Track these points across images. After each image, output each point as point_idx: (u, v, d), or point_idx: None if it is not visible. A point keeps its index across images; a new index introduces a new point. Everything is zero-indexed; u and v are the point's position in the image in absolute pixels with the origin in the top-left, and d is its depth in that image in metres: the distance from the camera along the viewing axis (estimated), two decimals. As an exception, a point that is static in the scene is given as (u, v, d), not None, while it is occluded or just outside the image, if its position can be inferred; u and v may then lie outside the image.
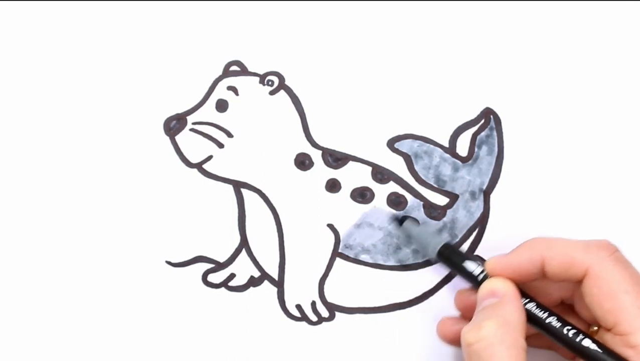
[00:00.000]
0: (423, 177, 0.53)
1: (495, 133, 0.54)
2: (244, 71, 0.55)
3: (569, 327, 0.44)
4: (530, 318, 0.45)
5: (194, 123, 0.54)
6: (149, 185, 0.53)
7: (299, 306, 0.53)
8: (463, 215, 0.53)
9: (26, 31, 0.55)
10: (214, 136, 0.54)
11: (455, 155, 0.53)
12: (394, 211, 0.53)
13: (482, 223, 0.53)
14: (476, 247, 0.53)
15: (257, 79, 0.54)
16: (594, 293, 0.43)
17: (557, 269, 0.44)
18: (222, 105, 0.54)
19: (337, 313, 0.53)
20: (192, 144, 0.54)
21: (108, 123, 0.54)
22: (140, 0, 0.55)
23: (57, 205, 0.53)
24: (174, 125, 0.54)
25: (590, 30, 0.54)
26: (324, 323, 0.52)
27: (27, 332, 0.52)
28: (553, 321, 0.44)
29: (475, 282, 0.47)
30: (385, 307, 0.52)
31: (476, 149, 0.53)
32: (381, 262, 0.53)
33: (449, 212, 0.53)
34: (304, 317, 0.52)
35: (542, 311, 0.45)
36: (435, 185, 0.53)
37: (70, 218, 0.53)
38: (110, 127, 0.54)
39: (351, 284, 0.53)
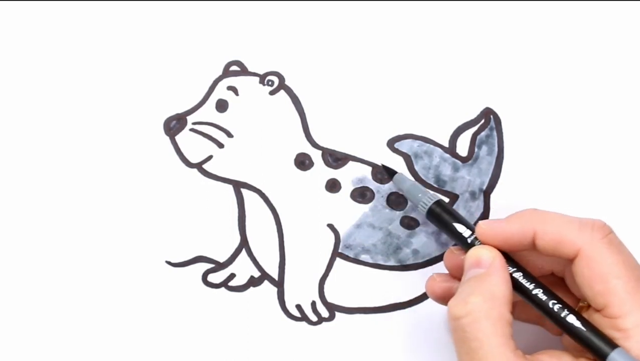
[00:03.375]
0: (423, 177, 0.53)
1: (495, 133, 0.54)
2: (244, 71, 0.55)
3: (555, 301, 0.43)
4: (517, 287, 0.44)
5: (194, 123, 0.54)
6: (149, 185, 0.53)
7: (299, 306, 0.53)
8: (463, 215, 0.53)
9: (26, 31, 0.55)
10: (214, 136, 0.54)
11: (455, 155, 0.53)
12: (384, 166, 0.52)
13: (482, 223, 0.53)
14: (476, 247, 0.53)
15: (257, 79, 0.54)
16: (585, 274, 0.42)
17: (549, 245, 0.44)
18: (222, 105, 0.54)
19: (337, 313, 0.53)
20: (192, 144, 0.54)
21: (108, 123, 0.54)
22: (140, 0, 0.55)
23: (57, 205, 0.53)
24: (174, 125, 0.54)
25: (590, 30, 0.54)
26: (324, 323, 0.52)
27: (27, 332, 0.52)
28: (539, 293, 0.44)
29: (465, 244, 0.46)
30: (385, 307, 0.52)
31: (476, 149, 0.53)
32: (381, 262, 0.53)
33: (449, 212, 0.53)
34: (304, 317, 0.52)
35: (529, 282, 0.44)
36: (435, 185, 0.53)
37: (71, 218, 0.53)
38: (111, 127, 0.54)
39: (351, 284, 0.53)
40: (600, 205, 0.53)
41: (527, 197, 0.53)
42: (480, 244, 0.46)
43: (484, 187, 0.53)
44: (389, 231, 0.53)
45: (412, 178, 0.52)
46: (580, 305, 0.45)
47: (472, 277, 0.44)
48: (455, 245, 0.48)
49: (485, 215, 0.53)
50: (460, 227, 0.47)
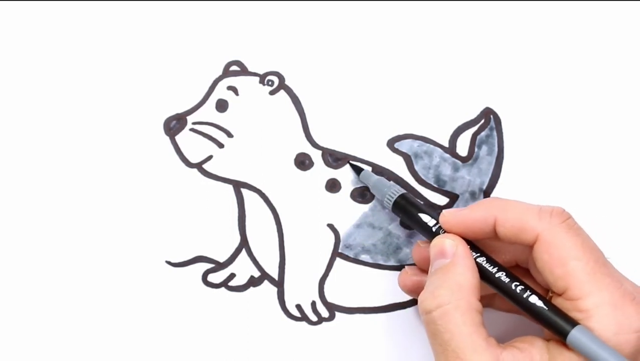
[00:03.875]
0: (423, 177, 0.53)
1: (495, 133, 0.54)
2: (244, 71, 0.55)
3: (517, 283, 0.44)
4: (481, 273, 0.44)
5: (194, 123, 0.54)
6: (149, 185, 0.53)
7: (299, 306, 0.53)
8: (463, 215, 0.53)
9: (26, 31, 0.55)
10: (214, 136, 0.54)
11: (455, 155, 0.53)
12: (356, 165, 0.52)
13: (482, 223, 0.53)
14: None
15: (257, 79, 0.54)
16: (544, 259, 0.43)
17: (509, 232, 0.44)
18: (222, 105, 0.54)
19: (337, 313, 0.53)
20: (192, 144, 0.54)
21: (108, 123, 0.54)
22: (140, 0, 0.55)
23: (57, 205, 0.53)
24: (174, 125, 0.54)
25: (590, 30, 0.54)
26: (324, 323, 0.52)
27: (27, 332, 0.52)
28: (502, 276, 0.44)
29: (431, 234, 0.47)
30: (385, 307, 0.52)
31: (476, 149, 0.53)
32: (381, 262, 0.53)
33: (449, 212, 0.53)
34: (304, 317, 0.52)
35: (492, 266, 0.45)
36: (435, 185, 0.53)
37: (71, 218, 0.53)
38: (111, 127, 0.54)
39: (351, 284, 0.53)
40: (600, 205, 0.53)
41: (527, 196, 0.53)
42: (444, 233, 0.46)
43: (484, 187, 0.53)
44: (389, 231, 0.53)
45: (377, 176, 0.52)
46: (549, 296, 0.45)
47: (438, 269, 0.45)
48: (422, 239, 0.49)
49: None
50: (425, 217, 0.47)
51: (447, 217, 0.46)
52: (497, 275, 0.44)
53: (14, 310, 0.53)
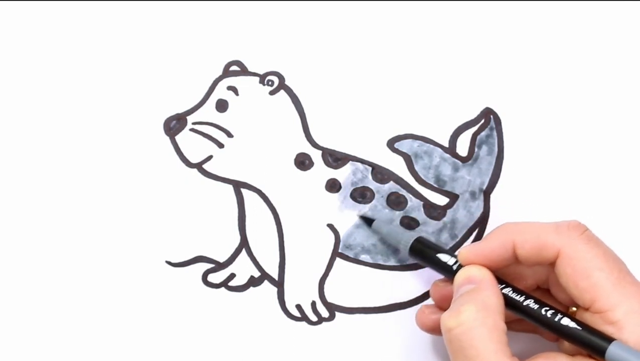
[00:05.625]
0: (423, 177, 0.53)
1: (495, 133, 0.54)
2: (244, 71, 0.55)
3: (547, 308, 0.44)
4: (508, 303, 0.44)
5: (194, 123, 0.54)
6: (149, 185, 0.53)
7: (299, 306, 0.53)
8: (463, 215, 0.53)
9: (26, 31, 0.55)
10: (214, 136, 0.54)
11: (455, 155, 0.53)
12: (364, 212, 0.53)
13: (482, 223, 0.53)
14: (476, 247, 0.53)
15: (257, 79, 0.54)
16: (568, 273, 0.43)
17: (529, 253, 0.44)
18: (222, 105, 0.54)
19: (337, 313, 0.53)
20: (192, 144, 0.54)
21: (108, 123, 0.54)
22: (140, 0, 0.55)
23: (57, 205, 0.53)
24: (174, 125, 0.54)
25: (590, 30, 0.54)
26: (324, 323, 0.52)
27: (27, 332, 0.52)
28: (530, 303, 0.44)
29: (450, 273, 0.47)
30: (385, 307, 0.52)
31: (476, 149, 0.53)
32: (381, 262, 0.53)
33: (449, 212, 0.53)
34: (304, 317, 0.52)
35: (519, 295, 0.45)
36: (435, 185, 0.53)
37: (70, 218, 0.53)
38: (111, 127, 0.54)
39: (351, 284, 0.53)
40: (600, 204, 0.53)
41: (527, 196, 0.53)
42: None
43: (484, 187, 0.53)
44: (389, 231, 0.53)
45: (388, 224, 0.52)
46: (569, 311, 0.45)
47: (464, 292, 0.44)
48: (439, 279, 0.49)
49: (485, 215, 0.53)
50: (444, 257, 0.47)
51: (466, 253, 0.46)
52: (525, 303, 0.44)
53: (14, 310, 0.53)
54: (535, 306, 0.44)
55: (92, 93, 0.54)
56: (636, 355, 0.41)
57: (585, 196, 0.53)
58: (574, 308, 0.45)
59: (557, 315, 0.43)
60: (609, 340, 0.41)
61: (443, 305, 0.48)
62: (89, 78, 0.54)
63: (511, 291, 0.45)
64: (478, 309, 0.42)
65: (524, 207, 0.53)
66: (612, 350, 0.41)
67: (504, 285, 0.45)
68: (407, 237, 0.49)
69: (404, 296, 0.52)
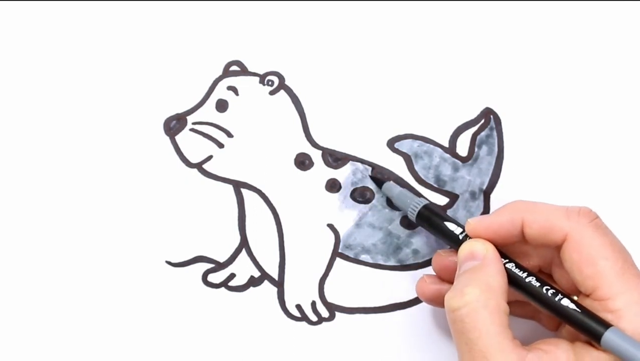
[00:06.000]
0: (423, 177, 0.53)
1: (495, 133, 0.54)
2: (244, 71, 0.55)
3: (548, 287, 0.44)
4: (510, 279, 0.45)
5: (194, 123, 0.54)
6: (149, 185, 0.53)
7: (299, 306, 0.53)
8: (463, 215, 0.53)
9: (26, 31, 0.55)
10: (214, 136, 0.54)
11: (455, 155, 0.53)
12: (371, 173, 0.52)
13: (482, 223, 0.53)
14: (476, 247, 0.53)
15: (257, 79, 0.54)
16: (573, 259, 0.43)
17: (537, 233, 0.44)
18: (222, 105, 0.54)
19: (337, 313, 0.53)
20: (192, 144, 0.54)
21: (108, 123, 0.54)
22: (140, 0, 0.55)
23: (57, 205, 0.53)
24: (174, 125, 0.54)
25: (590, 30, 0.54)
26: (324, 323, 0.52)
27: (27, 332, 0.52)
28: (532, 281, 0.44)
29: (456, 242, 0.47)
30: (385, 307, 0.52)
31: (476, 149, 0.54)
32: (381, 262, 0.53)
33: (449, 212, 0.53)
34: (304, 317, 0.52)
35: (522, 272, 0.45)
36: (435, 185, 0.53)
37: (71, 218, 0.53)
38: (111, 127, 0.54)
39: (351, 284, 0.53)
40: (600, 204, 0.53)
41: (527, 196, 0.53)
42: None
43: (484, 187, 0.53)
44: (389, 231, 0.53)
45: (400, 188, 0.52)
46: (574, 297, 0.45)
47: (467, 269, 0.44)
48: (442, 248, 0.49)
49: (485, 215, 0.53)
50: (451, 226, 0.47)
51: (474, 224, 0.46)
52: (527, 280, 0.44)
53: (14, 310, 0.53)
54: (537, 284, 0.44)
55: (92, 94, 0.54)
56: (632, 342, 0.41)
57: (585, 196, 0.53)
58: (575, 297, 0.45)
59: (557, 295, 0.43)
60: (607, 325, 0.42)
61: (444, 275, 0.48)
62: (89, 78, 0.54)
63: (514, 267, 0.45)
64: (482, 290, 0.42)
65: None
66: (608, 335, 0.41)
67: (507, 260, 0.45)
68: (416, 203, 0.49)
69: (404, 296, 0.52)
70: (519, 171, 0.53)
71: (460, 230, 0.47)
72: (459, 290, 0.43)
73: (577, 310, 0.43)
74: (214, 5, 0.55)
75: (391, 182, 0.52)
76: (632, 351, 0.40)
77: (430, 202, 0.49)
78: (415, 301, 0.52)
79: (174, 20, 0.55)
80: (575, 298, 0.44)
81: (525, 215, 0.45)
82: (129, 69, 0.55)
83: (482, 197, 0.53)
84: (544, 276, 0.47)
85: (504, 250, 0.46)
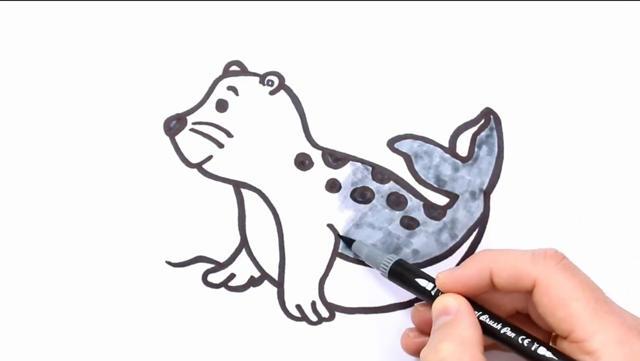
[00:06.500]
0: (423, 177, 0.53)
1: (495, 133, 0.54)
2: (244, 71, 0.55)
3: (524, 336, 0.44)
4: (485, 330, 0.45)
5: (194, 123, 0.54)
6: (149, 185, 0.53)
7: (299, 306, 0.53)
8: (463, 215, 0.53)
9: (26, 31, 0.55)
10: (214, 136, 0.54)
11: (455, 155, 0.53)
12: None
13: (482, 223, 0.53)
14: (476, 247, 0.53)
15: (257, 79, 0.55)
16: (544, 303, 0.43)
17: (506, 281, 0.44)
18: (222, 105, 0.54)
19: (337, 313, 0.53)
20: (192, 144, 0.54)
21: (108, 124, 0.54)
22: (140, 0, 0.55)
23: (57, 205, 0.53)
24: (174, 125, 0.54)
25: (590, 30, 0.54)
26: (324, 323, 0.52)
27: (27, 332, 0.52)
28: (507, 331, 0.44)
29: (430, 298, 0.47)
30: (385, 307, 0.52)
31: (476, 149, 0.54)
32: (381, 262, 0.53)
33: (449, 212, 0.53)
34: (304, 317, 0.52)
35: (496, 323, 0.45)
36: (435, 185, 0.53)
37: (71, 218, 0.53)
38: (111, 127, 0.54)
39: (351, 284, 0.53)
40: (600, 204, 0.53)
41: (527, 197, 0.53)
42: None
43: (484, 187, 0.53)
44: (389, 231, 0.53)
45: (368, 245, 0.52)
46: (553, 335, 0.45)
47: (441, 325, 0.44)
48: (419, 301, 0.50)
49: (485, 214, 0.53)
50: (422, 282, 0.48)
51: (443, 279, 0.46)
52: (502, 331, 0.44)
53: (14, 310, 0.53)
54: (512, 335, 0.44)
55: (93, 94, 0.54)
56: None
57: (585, 196, 0.53)
58: (551, 343, 0.44)
59: (533, 344, 0.43)
60: None
61: (424, 328, 0.49)
62: (89, 78, 0.55)
63: (488, 319, 0.45)
64: (456, 345, 0.42)
65: (524, 207, 0.53)
66: None
67: (480, 312, 0.45)
68: (387, 259, 0.49)
69: (404, 296, 0.52)
70: (519, 171, 0.53)
71: (432, 285, 0.47)
72: (433, 346, 0.43)
73: (554, 357, 0.42)
74: (214, 5, 0.55)
75: (359, 241, 0.52)
76: None
77: (400, 258, 0.49)
78: (415, 301, 0.52)
79: (174, 21, 0.55)
80: (551, 344, 0.44)
81: (493, 264, 0.45)
82: (129, 69, 0.55)
83: (482, 197, 0.53)
84: (522, 317, 0.47)
85: (478, 300, 0.46)
